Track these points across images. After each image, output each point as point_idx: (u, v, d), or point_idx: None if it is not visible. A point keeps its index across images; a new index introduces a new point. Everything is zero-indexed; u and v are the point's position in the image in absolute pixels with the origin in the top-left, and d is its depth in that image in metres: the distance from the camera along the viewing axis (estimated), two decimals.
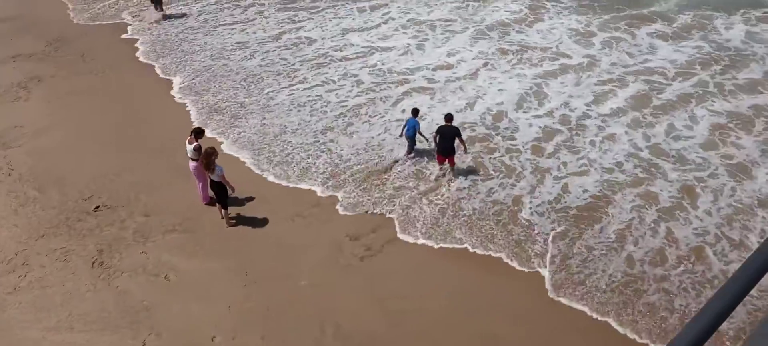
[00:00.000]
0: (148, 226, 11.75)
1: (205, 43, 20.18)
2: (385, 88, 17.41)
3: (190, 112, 16.15)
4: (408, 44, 20.24)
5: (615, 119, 15.76)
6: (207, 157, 11.01)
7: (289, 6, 23.42)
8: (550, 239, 11.56)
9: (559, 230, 11.79)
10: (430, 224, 11.94)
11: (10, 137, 14.79)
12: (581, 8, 22.98)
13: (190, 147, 11.73)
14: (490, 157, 14.04)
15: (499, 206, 12.45)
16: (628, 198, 12.72)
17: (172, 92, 17.27)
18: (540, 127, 15.35)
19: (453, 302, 10.21)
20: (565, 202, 12.59)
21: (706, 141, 14.79)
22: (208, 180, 11.65)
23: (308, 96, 16.93)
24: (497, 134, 14.98)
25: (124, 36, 20.98)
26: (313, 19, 22.38)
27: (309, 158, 14.08)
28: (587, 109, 16.28)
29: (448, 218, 12.12)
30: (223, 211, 11.72)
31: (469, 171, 13.46)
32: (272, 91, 17.24)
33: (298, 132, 15.12)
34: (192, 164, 11.89)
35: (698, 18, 22.03)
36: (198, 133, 11.81)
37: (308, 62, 18.99)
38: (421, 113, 14.36)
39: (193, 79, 17.85)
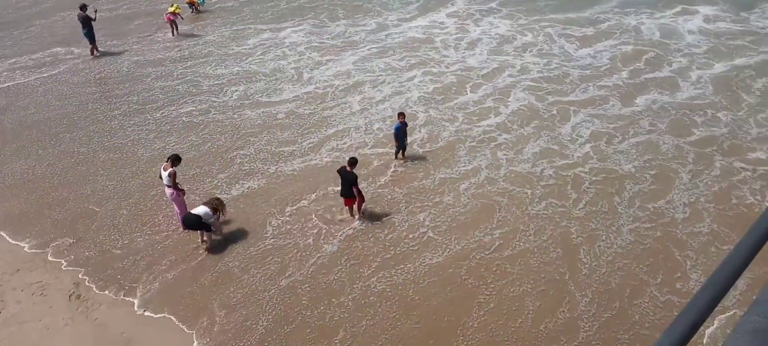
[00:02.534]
0: (126, 255, 11.67)
1: None
2: (222, 130, 16.10)
3: None
4: (285, 69, 19.81)
5: (485, 143, 15.28)
6: (217, 207, 11.63)
7: (165, 31, 23.07)
8: None
9: None
10: None
11: None
12: (516, 13, 23.81)
13: (165, 174, 11.74)
14: (289, 245, 11.86)
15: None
16: (479, 292, 10.50)
17: None
18: (390, 172, 14.10)
19: None
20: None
21: (582, 158, 14.53)
22: (185, 206, 11.66)
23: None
24: (318, 193, 13.36)
25: None
26: (182, 46, 21.70)
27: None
28: (455, 136, 15.61)
29: None
30: (205, 234, 11.70)
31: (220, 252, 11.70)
32: None
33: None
34: (168, 191, 11.88)
35: (630, 17, 23.57)
36: (174, 159, 11.79)
37: (125, 105, 17.51)
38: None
39: None
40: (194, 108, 17.58)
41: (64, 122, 17.08)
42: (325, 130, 16.33)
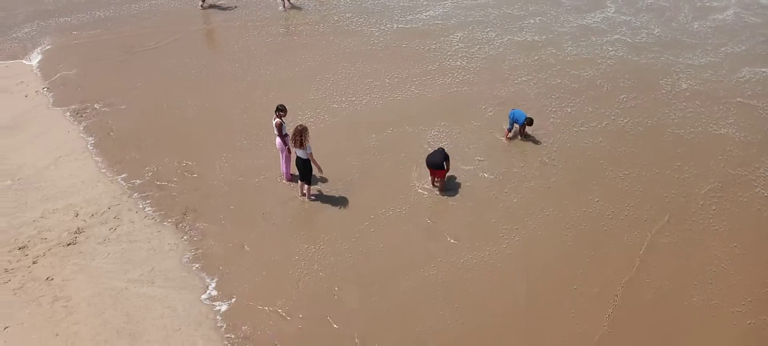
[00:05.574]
0: (233, 194, 12.24)
1: None
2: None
3: None
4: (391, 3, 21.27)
5: (578, 95, 15.73)
6: (298, 135, 11.17)
7: None
8: None
9: None
10: None
11: (114, 100, 15.62)
12: None
13: (273, 124, 11.89)
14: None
15: None
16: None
17: None
18: (475, 122, 14.57)
19: None
20: None
21: (681, 118, 14.71)
22: (293, 157, 11.74)
23: None
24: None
25: None
26: None
27: None
28: (545, 86, 16.13)
29: None
30: (306, 187, 11.79)
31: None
32: None
33: None
34: (277, 141, 12.05)
35: None
36: (279, 110, 11.89)
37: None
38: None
39: None
40: (285, 29, 19.50)
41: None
42: (425, 66, 17.34)
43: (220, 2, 21.46)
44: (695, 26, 19.85)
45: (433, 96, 15.85)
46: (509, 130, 13.85)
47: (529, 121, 13.48)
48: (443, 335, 9.32)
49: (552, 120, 14.72)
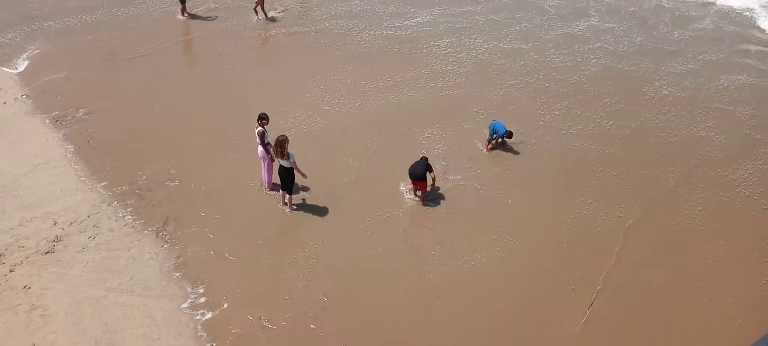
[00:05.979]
0: (215, 203, 12.06)
1: None
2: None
3: None
4: (378, 12, 21.30)
5: (562, 100, 15.93)
6: (279, 146, 11.10)
7: None
8: None
9: None
10: None
11: (96, 107, 15.34)
12: None
13: (255, 132, 11.77)
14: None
15: None
16: None
17: None
18: (464, 124, 14.87)
19: None
20: None
21: (664, 122, 14.96)
22: (274, 166, 11.60)
23: None
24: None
25: None
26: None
27: None
28: (533, 88, 16.44)
29: None
30: (287, 197, 11.62)
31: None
32: None
33: None
34: (259, 149, 11.93)
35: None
36: (261, 118, 11.76)
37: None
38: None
39: None
40: (273, 36, 19.49)
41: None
42: (418, 70, 17.49)
43: (204, 13, 21.27)
44: (675, 35, 20.28)
45: (426, 99, 15.97)
46: (489, 142, 13.85)
47: (509, 135, 13.48)
48: (435, 340, 9.21)
49: (542, 123, 14.90)
